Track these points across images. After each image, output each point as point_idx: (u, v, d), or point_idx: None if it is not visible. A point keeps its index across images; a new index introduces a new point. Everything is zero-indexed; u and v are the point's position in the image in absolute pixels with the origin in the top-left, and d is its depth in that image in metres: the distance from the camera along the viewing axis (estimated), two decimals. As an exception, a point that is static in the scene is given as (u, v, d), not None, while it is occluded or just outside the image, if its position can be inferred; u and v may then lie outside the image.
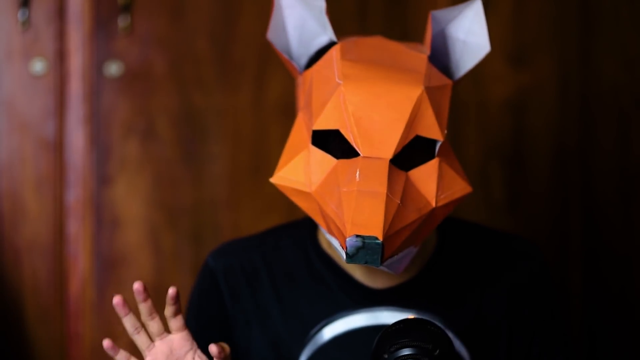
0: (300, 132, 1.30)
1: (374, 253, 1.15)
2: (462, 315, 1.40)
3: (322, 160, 1.25)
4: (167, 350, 1.25)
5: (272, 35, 1.38)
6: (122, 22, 2.04)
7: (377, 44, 1.37)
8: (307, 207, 1.26)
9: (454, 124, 2.09)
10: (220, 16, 2.07)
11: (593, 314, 2.16)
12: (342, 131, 1.24)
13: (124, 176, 2.05)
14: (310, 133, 1.27)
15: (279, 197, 2.06)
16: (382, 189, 1.18)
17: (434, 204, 1.24)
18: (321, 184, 1.24)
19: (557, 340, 1.45)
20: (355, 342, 1.37)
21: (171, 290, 1.23)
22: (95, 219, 2.04)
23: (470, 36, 1.35)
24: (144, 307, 1.24)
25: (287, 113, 2.06)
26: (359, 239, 1.15)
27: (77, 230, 2.04)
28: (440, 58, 1.37)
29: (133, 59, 2.05)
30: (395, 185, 1.20)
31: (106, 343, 1.23)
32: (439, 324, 1.34)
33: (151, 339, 1.26)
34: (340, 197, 1.20)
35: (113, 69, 2.04)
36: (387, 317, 1.37)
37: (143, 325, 1.26)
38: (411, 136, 1.24)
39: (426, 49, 1.34)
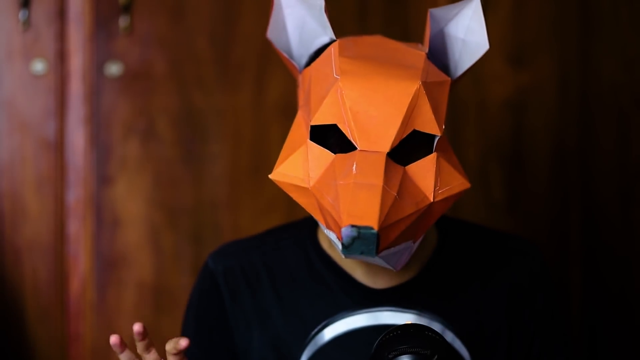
0: (299, 129, 1.30)
1: (370, 243, 1.15)
2: (463, 316, 1.40)
3: (320, 155, 1.25)
4: None
5: (272, 34, 1.38)
6: (122, 22, 2.04)
7: (375, 42, 1.37)
8: (306, 203, 1.26)
9: (453, 124, 2.09)
10: (220, 16, 2.07)
11: (593, 313, 2.16)
12: (340, 126, 1.24)
13: (124, 176, 2.05)
14: (309, 129, 1.27)
15: (279, 197, 2.06)
16: (379, 181, 1.18)
17: (431, 199, 1.24)
18: (319, 179, 1.24)
19: (557, 340, 1.45)
20: (356, 342, 1.37)
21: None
22: (95, 219, 2.04)
23: (469, 35, 1.35)
24: (141, 345, 1.22)
25: (287, 113, 2.06)
26: (354, 229, 1.15)
27: (78, 230, 2.04)
28: (440, 57, 1.37)
29: (133, 59, 2.05)
30: (392, 178, 1.21)
31: (114, 339, 1.21)
32: (437, 330, 1.34)
33: None
34: (337, 190, 1.20)
35: (113, 69, 2.04)
36: (388, 317, 1.37)
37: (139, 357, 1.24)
38: (408, 131, 1.24)
39: (425, 47, 1.34)
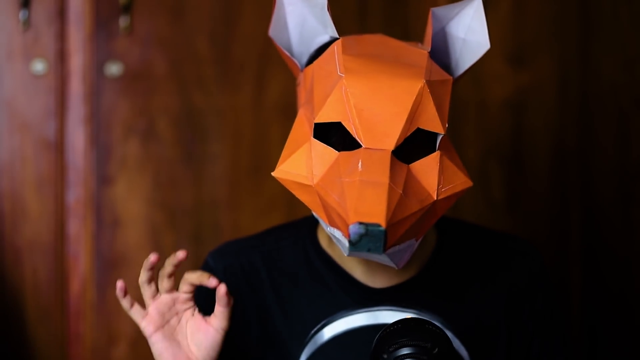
0: (301, 127, 1.30)
1: (377, 240, 1.15)
2: (462, 315, 1.40)
3: (324, 153, 1.25)
4: (170, 303, 1.31)
5: (273, 32, 1.38)
6: (122, 22, 2.04)
7: (378, 40, 1.37)
8: (309, 201, 1.26)
9: (453, 124, 2.09)
10: (220, 16, 2.07)
11: (593, 313, 2.16)
12: (344, 123, 1.24)
13: (124, 176, 2.05)
14: (312, 127, 1.27)
15: (279, 197, 2.06)
16: (385, 178, 1.19)
17: (435, 197, 1.24)
18: (323, 176, 1.24)
19: (556, 340, 1.45)
20: (355, 341, 1.37)
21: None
22: (95, 219, 2.04)
23: (470, 34, 1.35)
24: (169, 269, 1.29)
25: (287, 113, 2.06)
26: (362, 226, 1.15)
27: (78, 230, 2.04)
28: (441, 56, 1.37)
29: (133, 59, 2.05)
30: (397, 176, 1.21)
31: (120, 284, 1.30)
32: (438, 324, 1.34)
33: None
34: (343, 187, 1.20)
35: (113, 69, 2.04)
36: (387, 316, 1.37)
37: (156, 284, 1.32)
38: (412, 129, 1.25)
39: (427, 46, 1.34)
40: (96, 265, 2.04)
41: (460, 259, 1.44)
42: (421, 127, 1.25)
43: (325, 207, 1.23)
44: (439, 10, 1.34)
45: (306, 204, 1.27)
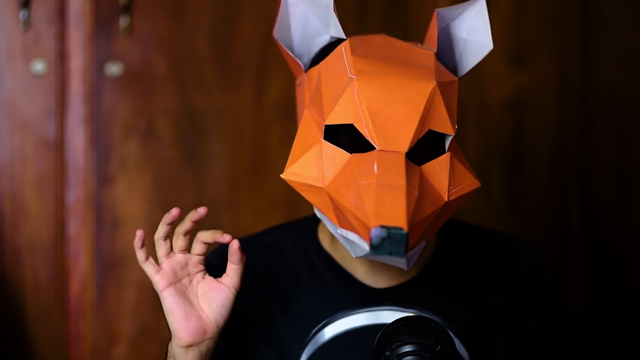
0: (309, 128, 1.30)
1: (400, 243, 1.15)
2: (462, 315, 1.40)
3: (335, 155, 1.25)
4: (183, 263, 1.31)
5: (277, 33, 1.38)
6: (122, 22, 2.04)
7: (383, 41, 1.37)
8: (319, 202, 1.26)
9: (454, 124, 2.10)
10: (220, 16, 2.07)
11: (593, 313, 2.16)
12: (357, 125, 1.24)
13: (124, 176, 2.05)
14: (321, 128, 1.27)
15: (279, 197, 2.06)
16: (402, 181, 1.18)
17: (446, 198, 1.24)
18: (335, 178, 1.24)
19: (556, 340, 1.45)
20: (356, 341, 1.37)
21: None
22: (95, 219, 2.04)
23: (471, 34, 1.35)
24: (188, 225, 1.30)
25: (287, 113, 2.06)
26: (384, 229, 1.14)
27: (78, 230, 2.04)
28: (443, 56, 1.37)
29: (133, 59, 2.05)
30: (412, 178, 1.21)
31: (140, 233, 1.29)
32: (440, 322, 1.34)
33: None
34: (359, 190, 1.19)
35: (113, 69, 2.04)
36: (388, 316, 1.37)
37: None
38: (425, 130, 1.25)
39: (432, 47, 1.34)
40: (96, 265, 2.04)
41: (461, 259, 1.44)
42: (433, 128, 1.25)
43: (340, 209, 1.23)
44: (443, 11, 1.34)
45: (315, 205, 1.27)
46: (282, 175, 1.28)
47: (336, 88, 1.27)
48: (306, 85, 1.35)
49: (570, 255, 2.16)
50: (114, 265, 2.04)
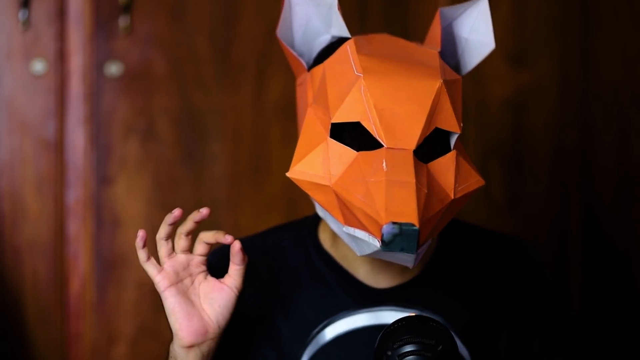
0: (314, 127, 1.30)
1: (411, 240, 1.15)
2: (463, 315, 1.41)
3: (342, 153, 1.25)
4: (185, 263, 1.30)
5: (280, 32, 1.38)
6: (122, 22, 2.04)
7: (386, 40, 1.38)
8: (324, 201, 1.26)
9: (454, 124, 2.10)
10: (220, 16, 2.07)
11: (593, 313, 2.16)
12: (364, 123, 1.24)
13: (124, 176, 2.05)
14: (326, 126, 1.27)
15: (279, 197, 2.06)
16: (411, 178, 1.19)
17: (452, 196, 1.25)
18: (342, 176, 1.24)
19: (556, 340, 1.45)
20: (357, 341, 1.37)
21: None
22: (95, 219, 2.04)
23: (473, 34, 1.36)
24: (190, 225, 1.29)
25: (287, 113, 2.06)
26: (396, 226, 1.15)
27: (78, 230, 2.04)
28: (444, 55, 1.37)
29: (133, 59, 2.05)
30: (420, 176, 1.21)
31: (141, 233, 1.28)
32: (441, 321, 1.34)
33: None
34: (368, 187, 1.20)
35: (113, 69, 2.04)
36: (389, 316, 1.37)
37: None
38: (431, 128, 1.25)
39: (435, 46, 1.34)
40: (96, 265, 2.04)
41: (461, 259, 1.44)
42: (439, 126, 1.26)
43: (347, 206, 1.23)
44: (446, 10, 1.35)
45: (321, 204, 1.27)
46: (287, 174, 1.28)
47: (342, 86, 1.27)
48: (309, 85, 1.35)
49: (570, 255, 2.16)
50: (113, 265, 2.04)
